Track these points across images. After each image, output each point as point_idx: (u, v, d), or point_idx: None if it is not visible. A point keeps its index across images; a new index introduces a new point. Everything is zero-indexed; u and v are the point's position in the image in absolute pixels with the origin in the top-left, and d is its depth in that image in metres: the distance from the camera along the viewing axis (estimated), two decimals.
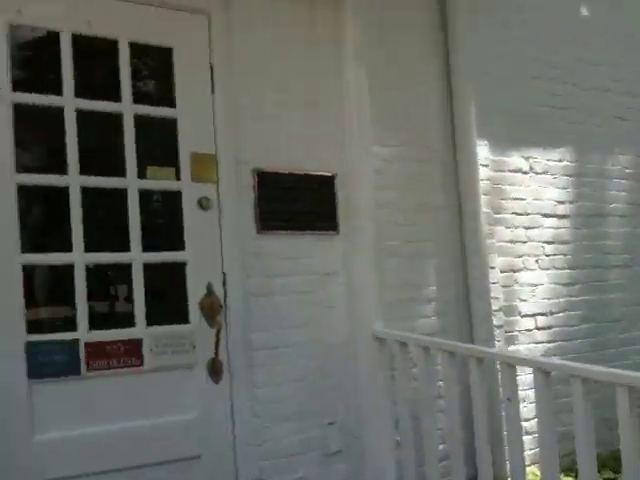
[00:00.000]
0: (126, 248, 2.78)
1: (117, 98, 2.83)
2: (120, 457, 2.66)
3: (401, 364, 3.07)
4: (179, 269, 2.89)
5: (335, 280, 3.25)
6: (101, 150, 2.94)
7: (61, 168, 2.68)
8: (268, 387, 3.00)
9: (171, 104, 2.96)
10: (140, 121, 2.86)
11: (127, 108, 2.84)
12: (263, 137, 3.10)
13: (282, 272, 3.10)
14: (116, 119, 2.82)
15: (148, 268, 2.80)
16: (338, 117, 3.32)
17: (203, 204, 2.96)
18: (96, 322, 2.67)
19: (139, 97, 2.89)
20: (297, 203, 3.17)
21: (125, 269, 2.77)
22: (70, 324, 2.61)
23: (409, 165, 3.53)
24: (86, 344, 2.62)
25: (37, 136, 2.87)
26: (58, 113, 2.70)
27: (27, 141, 2.72)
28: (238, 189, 3.04)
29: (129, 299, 2.77)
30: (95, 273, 2.72)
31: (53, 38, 2.73)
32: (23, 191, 2.61)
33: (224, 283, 2.96)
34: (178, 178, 2.95)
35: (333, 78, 3.33)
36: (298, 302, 3.12)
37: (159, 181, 2.93)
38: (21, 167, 2.61)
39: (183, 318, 2.87)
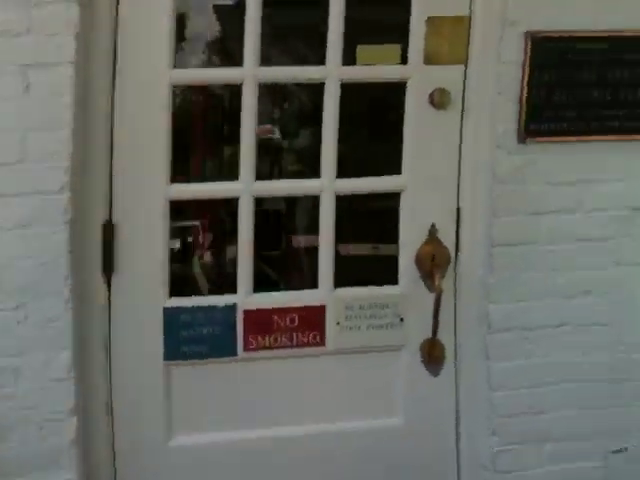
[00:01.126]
0: (314, 173, 1.88)
1: None
2: (292, 474, 1.98)
3: None
4: (389, 202, 1.93)
5: None
6: (291, 27, 1.98)
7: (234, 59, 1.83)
8: (514, 389, 1.98)
9: None
10: None
11: None
12: None
13: (555, 207, 1.93)
14: None
15: (341, 202, 1.90)
16: None
17: (437, 99, 1.92)
18: (261, 281, 1.91)
19: None
20: (596, 88, 1.87)
21: (309, 203, 1.90)
22: (226, 284, 1.88)
23: None
24: (246, 312, 1.89)
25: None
26: None
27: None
28: (497, 72, 1.87)
29: (309, 249, 1.91)
30: (264, 212, 1.90)
31: None
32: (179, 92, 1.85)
33: (457, 224, 1.96)
34: (403, 62, 1.92)
35: None
36: (580, 256, 1.96)
37: (373, 67, 1.93)
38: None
39: (389, 277, 1.96)
